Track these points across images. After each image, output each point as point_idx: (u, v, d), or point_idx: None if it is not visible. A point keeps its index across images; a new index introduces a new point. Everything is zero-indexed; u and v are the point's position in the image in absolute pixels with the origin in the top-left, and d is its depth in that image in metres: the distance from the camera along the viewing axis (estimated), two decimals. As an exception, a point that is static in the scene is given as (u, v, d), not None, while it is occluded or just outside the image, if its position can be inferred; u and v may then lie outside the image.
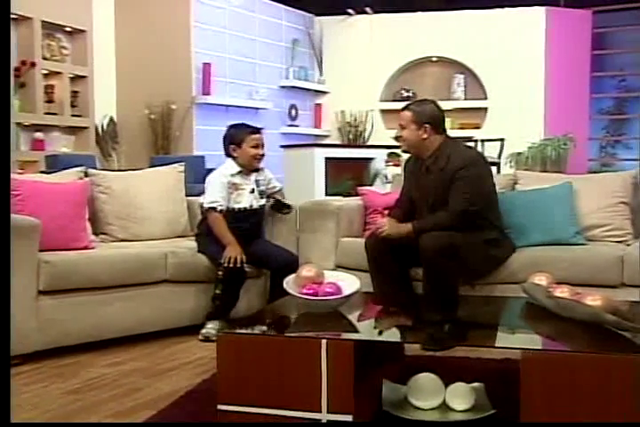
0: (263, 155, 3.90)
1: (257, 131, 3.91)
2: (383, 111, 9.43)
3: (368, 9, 9.35)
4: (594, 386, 2.17)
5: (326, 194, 7.08)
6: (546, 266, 3.59)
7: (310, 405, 2.36)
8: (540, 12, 9.01)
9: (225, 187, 3.81)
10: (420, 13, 9.22)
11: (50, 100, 6.67)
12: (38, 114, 6.53)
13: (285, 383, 2.40)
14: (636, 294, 3.53)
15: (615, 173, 4.57)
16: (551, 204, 3.95)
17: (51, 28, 6.75)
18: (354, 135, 9.20)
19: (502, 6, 9.01)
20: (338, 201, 4.38)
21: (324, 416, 2.35)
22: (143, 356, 3.41)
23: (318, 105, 9.60)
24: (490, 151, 8.43)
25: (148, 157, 6.67)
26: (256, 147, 3.85)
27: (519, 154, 8.45)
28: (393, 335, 2.83)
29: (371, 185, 7.00)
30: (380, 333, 2.83)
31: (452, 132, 9.83)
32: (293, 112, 9.12)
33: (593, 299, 2.47)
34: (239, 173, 3.88)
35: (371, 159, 7.55)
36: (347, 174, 7.34)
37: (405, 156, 4.11)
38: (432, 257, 3.42)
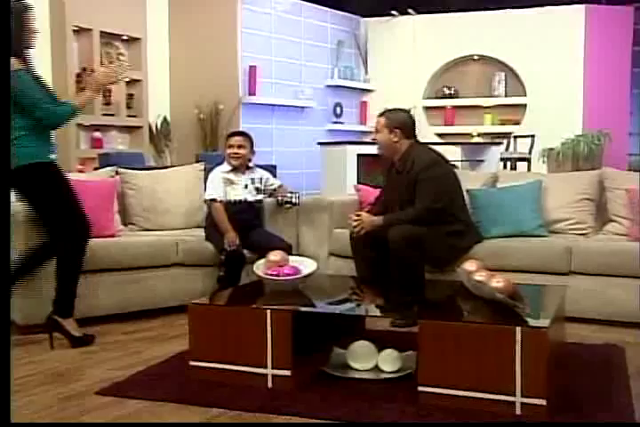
0: (239, 154, 4.49)
1: (234, 134, 4.63)
2: (426, 108, 9.89)
3: (411, 10, 9.79)
4: (474, 350, 2.67)
5: (358, 188, 7.59)
6: (505, 255, 4.09)
7: (259, 362, 2.95)
8: (579, 10, 9.20)
9: (222, 181, 4.46)
10: (461, 13, 9.54)
11: (107, 103, 7.39)
12: (97, 115, 7.24)
13: (240, 344, 2.99)
14: (587, 280, 3.97)
15: (583, 172, 4.96)
16: (520, 199, 4.39)
17: (109, 37, 7.46)
18: (397, 131, 9.62)
19: (542, 5, 9.28)
20: (331, 197, 4.92)
21: (269, 371, 2.94)
22: (154, 327, 4.07)
23: (364, 102, 10.08)
24: (522, 147, 8.80)
25: (197, 153, 7.34)
26: (231, 147, 4.50)
27: (551, 150, 8.72)
28: (347, 310, 3.37)
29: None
30: (336, 307, 3.39)
31: (492, 128, 10.08)
32: (338, 110, 9.64)
33: (497, 281, 2.95)
34: (232, 170, 4.53)
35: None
36: (379, 169, 7.81)
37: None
38: (398, 247, 3.87)
